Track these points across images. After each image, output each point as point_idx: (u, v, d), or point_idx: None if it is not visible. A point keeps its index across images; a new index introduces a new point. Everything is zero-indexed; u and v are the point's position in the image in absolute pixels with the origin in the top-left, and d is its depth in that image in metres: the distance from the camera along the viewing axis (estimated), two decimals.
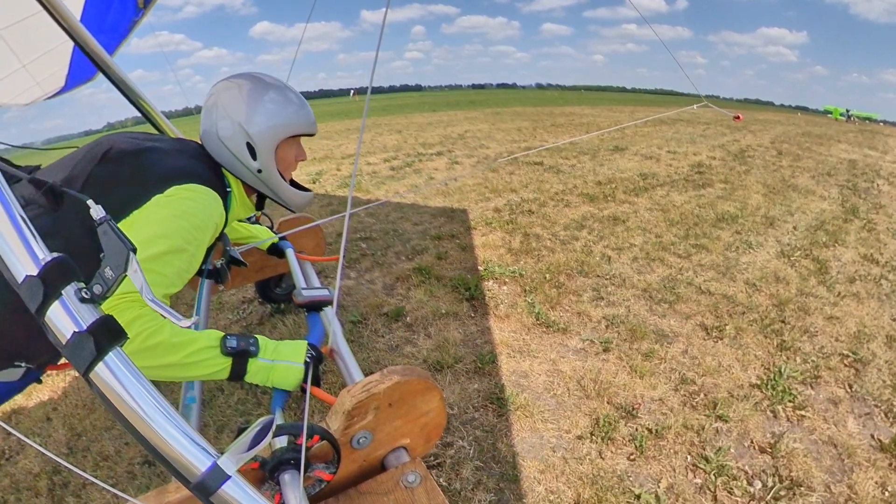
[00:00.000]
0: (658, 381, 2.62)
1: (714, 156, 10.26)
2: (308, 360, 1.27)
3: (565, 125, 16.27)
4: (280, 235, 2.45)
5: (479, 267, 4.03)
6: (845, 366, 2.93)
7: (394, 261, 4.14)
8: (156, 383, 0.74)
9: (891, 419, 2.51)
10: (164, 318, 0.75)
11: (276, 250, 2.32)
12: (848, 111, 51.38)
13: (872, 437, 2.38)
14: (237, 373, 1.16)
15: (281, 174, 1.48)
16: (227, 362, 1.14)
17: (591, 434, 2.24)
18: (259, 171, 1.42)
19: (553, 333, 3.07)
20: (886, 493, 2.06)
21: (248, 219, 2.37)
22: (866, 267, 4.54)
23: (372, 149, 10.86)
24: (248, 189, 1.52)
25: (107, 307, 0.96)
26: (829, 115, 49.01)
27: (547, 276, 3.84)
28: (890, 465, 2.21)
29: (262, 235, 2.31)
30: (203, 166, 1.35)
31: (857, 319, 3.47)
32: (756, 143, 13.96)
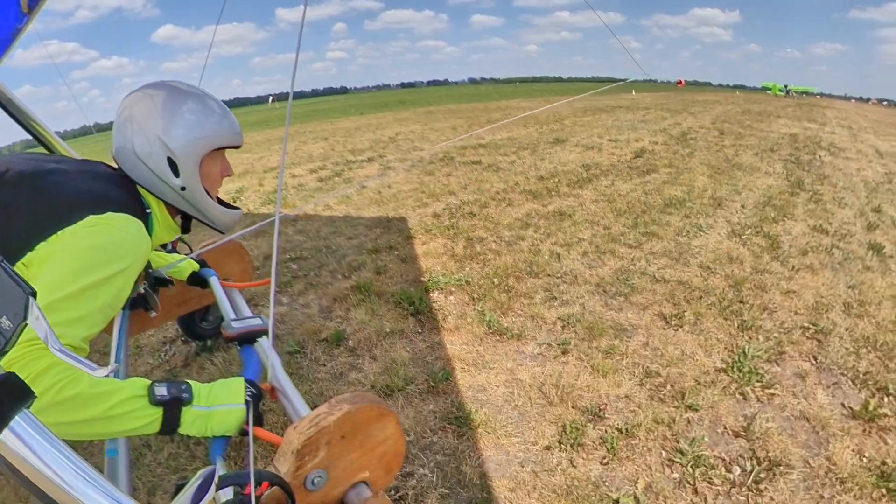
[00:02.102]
0: (622, 377, 2.76)
1: (656, 141, 10.94)
2: (248, 398, 1.27)
3: (501, 120, 16.79)
4: (196, 252, 2.37)
5: (422, 278, 4.08)
6: (808, 338, 3.20)
7: (329, 280, 4.12)
8: (76, 443, 0.71)
9: (858, 385, 2.77)
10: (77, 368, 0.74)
11: (198, 280, 2.30)
12: (786, 87, 56.52)
13: (843, 405, 2.62)
14: (170, 425, 1.15)
15: (207, 191, 1.50)
16: (157, 413, 1.13)
17: (560, 443, 2.32)
18: (183, 188, 1.43)
19: (507, 341, 3.16)
20: (864, 459, 2.26)
21: (164, 247, 2.35)
22: (817, 238, 4.99)
23: (296, 159, 10.73)
24: (172, 209, 1.53)
25: (7, 362, 0.93)
26: (769, 92, 53.59)
27: (495, 280, 3.94)
28: (864, 431, 2.44)
29: (181, 265, 2.29)
30: (116, 189, 1.35)
31: (813, 291, 3.81)
32: (697, 125, 15.04)
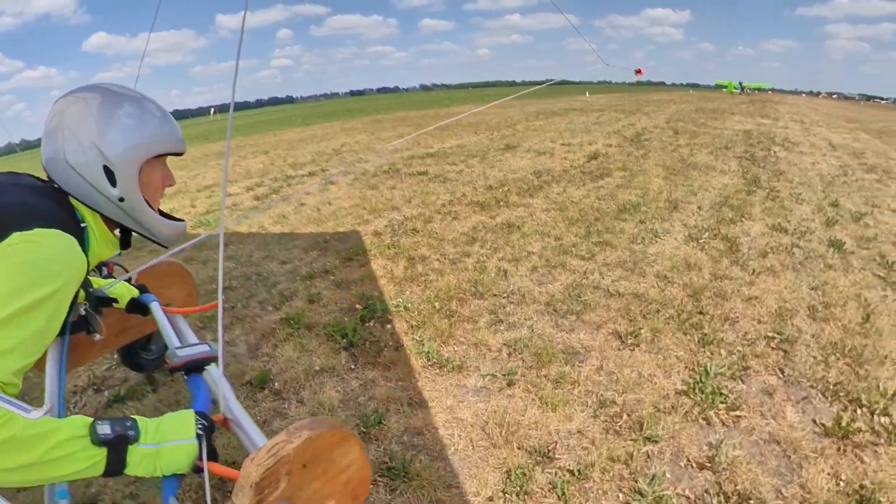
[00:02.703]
0: (573, 409, 2.56)
1: (610, 143, 10.99)
2: (199, 432, 1.24)
3: (452, 127, 16.71)
4: (131, 274, 2.27)
5: (357, 306, 3.84)
6: (773, 349, 3.08)
7: (258, 313, 3.84)
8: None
9: (829, 398, 2.64)
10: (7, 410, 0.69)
11: (138, 307, 2.22)
12: (741, 83, 58.80)
13: (814, 422, 2.48)
14: (115, 466, 1.11)
15: (147, 202, 1.46)
16: (100, 454, 1.08)
17: (504, 492, 2.10)
18: (121, 199, 1.39)
19: (448, 374, 2.93)
20: (841, 483, 2.12)
21: (99, 272, 2.28)
22: (776, 237, 4.95)
23: (233, 176, 10.34)
24: (109, 223, 1.48)
25: None
26: (725, 90, 55.65)
27: (436, 304, 3.73)
28: (838, 450, 2.30)
29: (119, 291, 2.20)
30: (46, 201, 1.30)
31: (776, 295, 3.72)
32: (651, 125, 15.28)
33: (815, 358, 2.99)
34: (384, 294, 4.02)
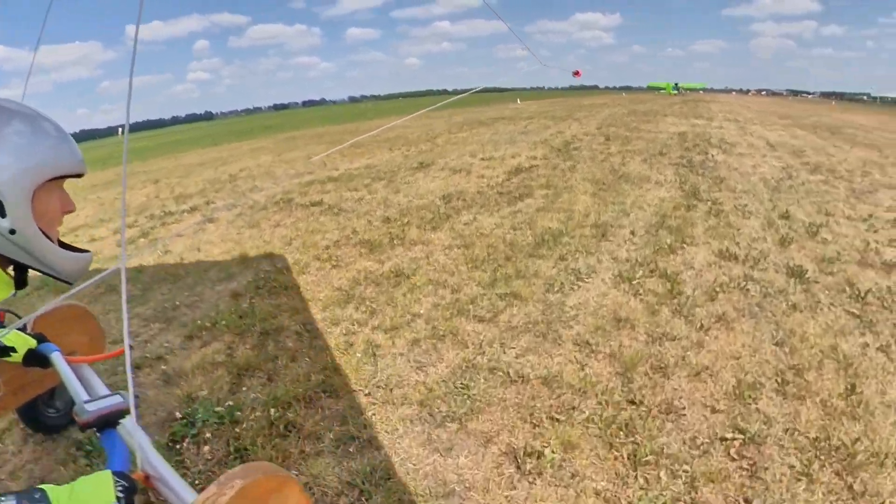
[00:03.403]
0: None
1: (535, 155, 10.25)
2: (119, 494, 1.20)
3: (368, 143, 15.78)
4: (25, 320, 1.75)
5: (177, 413, 2.83)
6: (733, 460, 2.22)
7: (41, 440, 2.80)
8: None
9: None
10: None
11: (37, 358, 2.05)
12: (677, 84, 60.77)
13: None
14: None
15: (44, 232, 1.34)
16: None
17: None
18: (12, 231, 1.28)
19: None
20: None
21: None
22: (725, 268, 4.20)
23: (109, 213, 9.06)
24: (1, 259, 1.36)
25: None
26: (662, 91, 57.31)
27: (273, 412, 2.72)
28: None
29: (14, 342, 2.02)
30: None
31: (732, 362, 2.91)
32: (582, 131, 14.74)
33: (792, 469, 2.15)
34: (214, 392, 3.03)
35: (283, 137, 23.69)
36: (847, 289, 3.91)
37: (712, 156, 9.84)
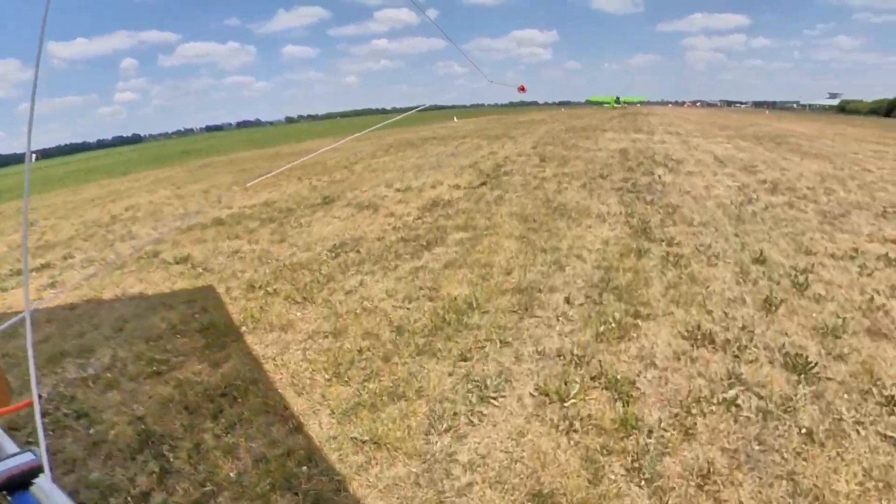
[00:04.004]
0: None
1: (459, 183, 8.90)
2: None
3: (280, 173, 14.20)
4: None
5: None
6: None
7: None
8: None
9: None
10: None
11: None
12: (619, 98, 61.21)
13: None
14: None
15: None
16: None
17: None
18: None
19: None
20: None
21: None
22: (699, 363, 2.90)
23: None
24: None
25: None
26: (606, 105, 57.55)
27: None
28: None
29: None
30: None
31: None
32: (516, 151, 13.56)
33: None
34: None
35: (198, 165, 21.75)
36: (872, 387, 2.68)
37: (659, 177, 8.75)
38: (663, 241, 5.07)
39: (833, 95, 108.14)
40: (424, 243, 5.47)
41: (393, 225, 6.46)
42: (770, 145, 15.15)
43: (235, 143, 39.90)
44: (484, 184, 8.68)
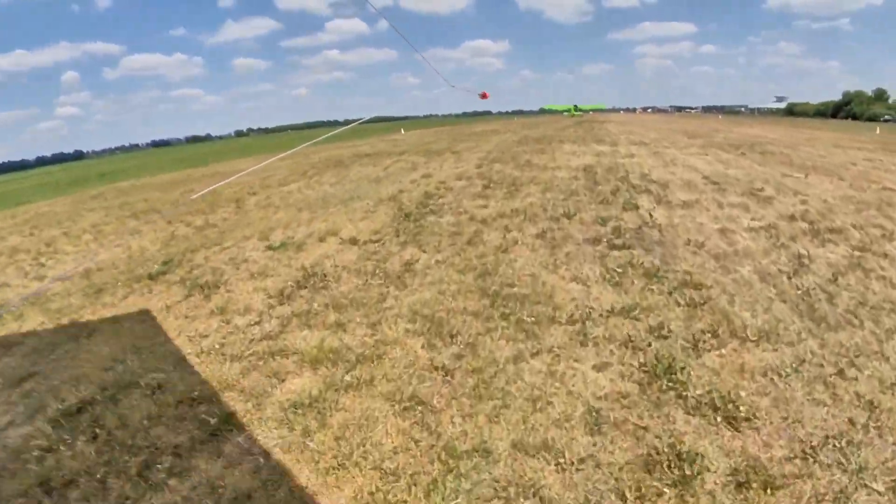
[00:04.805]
0: None
1: (360, 234, 6.01)
2: None
3: (188, 197, 11.08)
4: None
5: None
6: None
7: None
8: None
9: None
10: None
11: None
12: (576, 106, 59.24)
13: None
14: None
15: None
16: None
17: None
18: None
19: None
20: None
21: None
22: None
23: None
24: None
25: None
26: (566, 114, 55.50)
27: None
28: None
29: None
30: None
31: None
32: (456, 173, 10.78)
33: None
34: None
35: (92, 195, 18.31)
36: None
37: (648, 213, 6.09)
38: (712, 408, 2.36)
39: (780, 99, 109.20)
40: (220, 417, 2.61)
41: (208, 345, 3.56)
42: (756, 157, 12.76)
43: (155, 163, 36.08)
44: (397, 234, 5.86)
